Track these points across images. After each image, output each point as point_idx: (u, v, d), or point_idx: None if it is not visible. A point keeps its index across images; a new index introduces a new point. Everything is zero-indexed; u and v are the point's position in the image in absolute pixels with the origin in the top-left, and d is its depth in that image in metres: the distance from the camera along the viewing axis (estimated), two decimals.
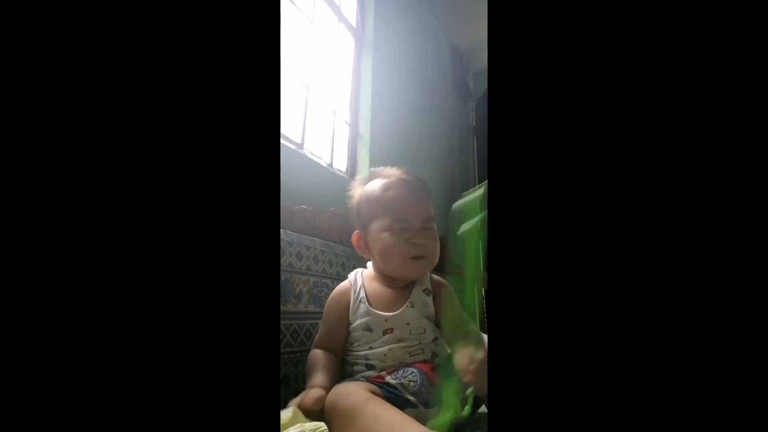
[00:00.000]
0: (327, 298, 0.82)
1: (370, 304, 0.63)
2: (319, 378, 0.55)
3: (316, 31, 1.21)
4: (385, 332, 0.60)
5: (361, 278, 0.67)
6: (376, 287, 0.65)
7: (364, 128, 1.37)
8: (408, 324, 0.61)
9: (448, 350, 0.64)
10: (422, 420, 0.47)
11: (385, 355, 0.59)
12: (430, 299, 0.65)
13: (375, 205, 0.64)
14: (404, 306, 0.62)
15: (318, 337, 0.64)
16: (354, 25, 1.46)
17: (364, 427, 0.44)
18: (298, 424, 0.45)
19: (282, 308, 0.69)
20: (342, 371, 0.61)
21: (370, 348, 0.60)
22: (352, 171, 1.34)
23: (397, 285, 0.65)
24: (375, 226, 0.64)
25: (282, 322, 0.68)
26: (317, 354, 0.61)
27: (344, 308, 0.64)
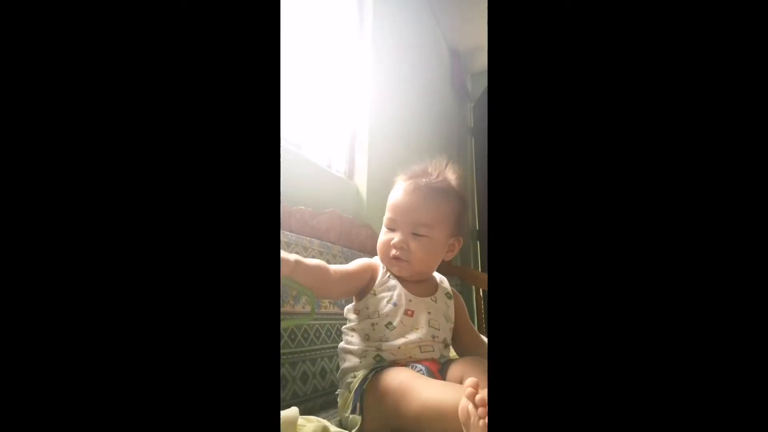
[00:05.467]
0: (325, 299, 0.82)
1: (398, 281, 0.65)
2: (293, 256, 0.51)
3: (315, 31, 1.21)
4: (406, 312, 0.62)
5: None
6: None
7: (363, 129, 1.37)
8: (429, 313, 0.63)
9: (450, 354, 0.67)
10: None
11: (398, 348, 0.60)
12: (451, 303, 0.69)
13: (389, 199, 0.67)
14: (429, 297, 0.65)
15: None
16: (353, 25, 1.46)
17: (417, 397, 0.48)
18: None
19: (281, 309, 0.69)
20: (347, 362, 0.63)
21: (386, 337, 0.61)
22: (350, 172, 1.33)
23: (421, 278, 0.68)
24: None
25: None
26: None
27: (369, 277, 0.66)
